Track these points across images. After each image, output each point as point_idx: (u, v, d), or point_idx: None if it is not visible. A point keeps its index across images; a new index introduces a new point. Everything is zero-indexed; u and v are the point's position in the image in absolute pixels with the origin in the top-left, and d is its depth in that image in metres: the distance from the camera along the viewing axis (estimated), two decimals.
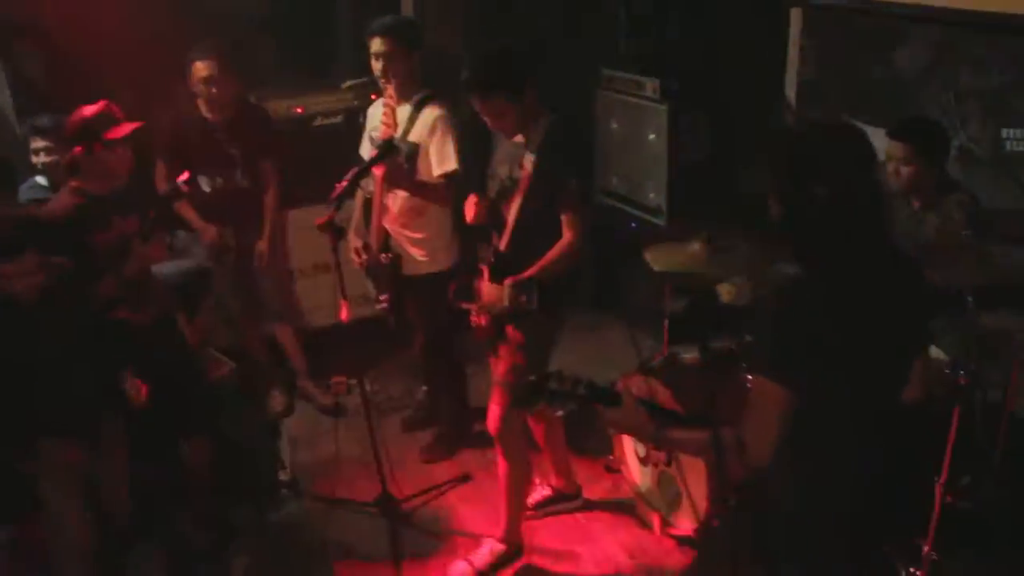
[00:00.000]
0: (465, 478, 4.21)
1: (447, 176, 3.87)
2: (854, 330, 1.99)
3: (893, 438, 2.19)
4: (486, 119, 3.24)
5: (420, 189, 3.90)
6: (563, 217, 3.18)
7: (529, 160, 3.22)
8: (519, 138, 3.28)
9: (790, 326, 1.99)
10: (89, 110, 3.44)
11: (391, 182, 3.82)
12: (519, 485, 3.61)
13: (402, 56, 3.87)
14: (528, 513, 3.84)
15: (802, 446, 2.03)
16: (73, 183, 3.50)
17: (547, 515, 3.93)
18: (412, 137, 3.90)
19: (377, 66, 3.89)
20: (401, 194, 3.94)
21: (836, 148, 2.05)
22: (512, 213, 3.29)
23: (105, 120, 3.40)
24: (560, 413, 2.67)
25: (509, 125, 3.23)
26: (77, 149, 3.41)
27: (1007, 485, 3.46)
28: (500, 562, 3.65)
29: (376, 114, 4.13)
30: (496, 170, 3.40)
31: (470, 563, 3.63)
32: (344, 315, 3.48)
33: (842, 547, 2.20)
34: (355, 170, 3.44)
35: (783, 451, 2.00)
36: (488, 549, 3.66)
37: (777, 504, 2.21)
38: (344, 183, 3.37)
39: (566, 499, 3.93)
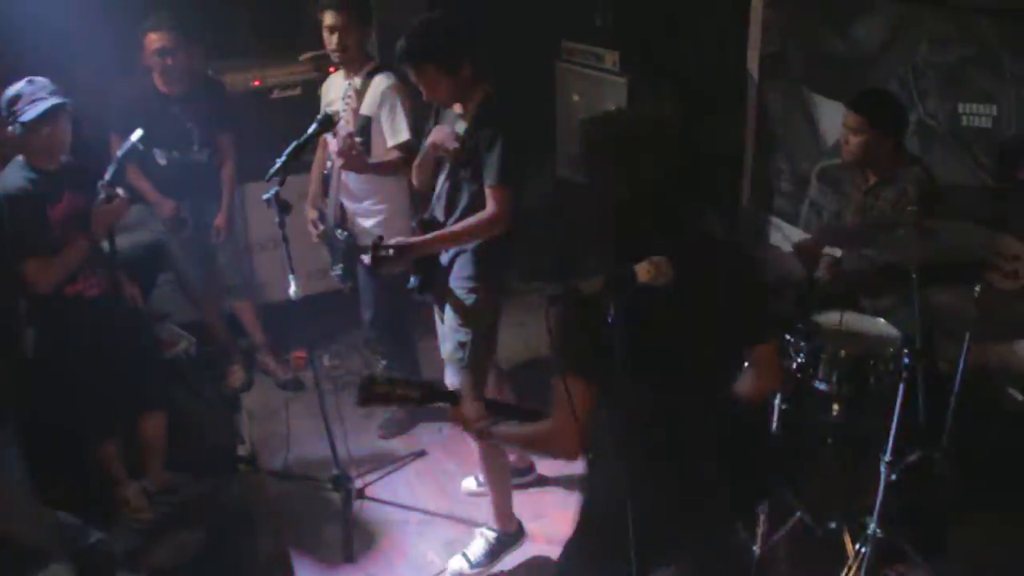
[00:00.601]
0: (421, 453, 4.22)
1: (400, 147, 3.84)
2: (654, 326, 1.96)
3: (718, 430, 2.17)
4: (421, 89, 3.23)
5: (376, 169, 3.87)
6: (487, 189, 3.17)
7: (460, 130, 3.22)
8: (458, 108, 3.26)
9: (586, 321, 1.97)
10: (9, 90, 3.41)
11: (349, 167, 3.78)
12: (497, 467, 3.52)
13: (354, 29, 3.83)
14: (480, 489, 3.83)
15: (616, 443, 2.04)
16: (20, 158, 3.49)
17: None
18: (363, 110, 3.87)
19: (330, 40, 3.85)
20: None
21: (611, 139, 2.03)
22: (440, 182, 3.30)
23: (19, 101, 3.37)
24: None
25: (443, 95, 3.22)
26: (6, 129, 3.39)
27: (956, 460, 3.49)
28: (495, 550, 3.56)
29: (331, 88, 4.09)
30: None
31: (465, 556, 3.57)
32: (291, 291, 3.47)
33: (668, 539, 2.17)
34: (292, 145, 3.41)
35: (600, 448, 2.03)
36: (481, 539, 3.58)
37: (600, 503, 2.20)
38: (281, 159, 3.35)
39: (519, 474, 3.90)
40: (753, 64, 4.90)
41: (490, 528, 3.57)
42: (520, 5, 5.08)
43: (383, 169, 3.88)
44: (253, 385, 4.81)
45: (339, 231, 4.04)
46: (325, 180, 4.10)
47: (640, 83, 4.78)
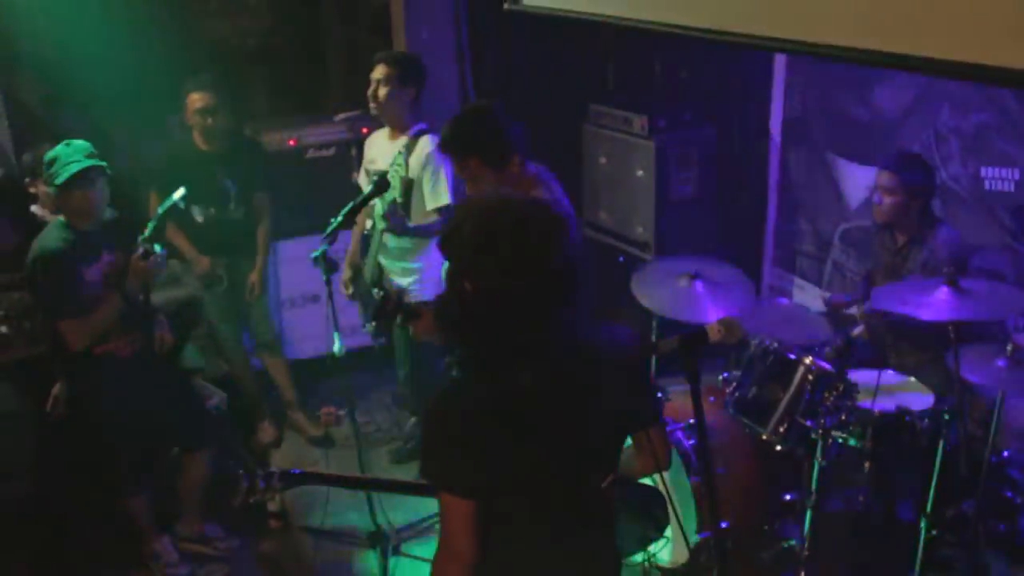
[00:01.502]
0: None
1: (440, 210, 3.92)
2: (531, 431, 1.88)
3: (603, 517, 2.13)
4: (469, 184, 3.17)
5: (415, 232, 3.93)
6: None
7: None
8: None
9: (455, 432, 1.88)
10: (49, 154, 3.49)
11: (392, 230, 3.85)
12: None
13: (398, 86, 3.95)
14: None
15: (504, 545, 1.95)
16: (60, 218, 3.56)
17: None
18: (408, 173, 3.96)
19: (377, 93, 3.96)
20: None
21: (502, 229, 1.83)
22: None
23: (56, 163, 3.44)
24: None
25: (489, 190, 3.09)
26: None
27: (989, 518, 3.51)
28: None
29: (372, 147, 4.19)
30: None
31: None
32: (336, 348, 3.52)
33: None
34: (349, 206, 3.49)
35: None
36: None
37: None
38: (338, 219, 3.42)
39: None
40: (776, 128, 5.02)
41: None
42: (547, 67, 5.21)
43: (421, 232, 3.96)
44: (283, 441, 4.82)
45: (375, 290, 4.10)
46: (364, 240, 4.18)
47: (668, 147, 4.87)
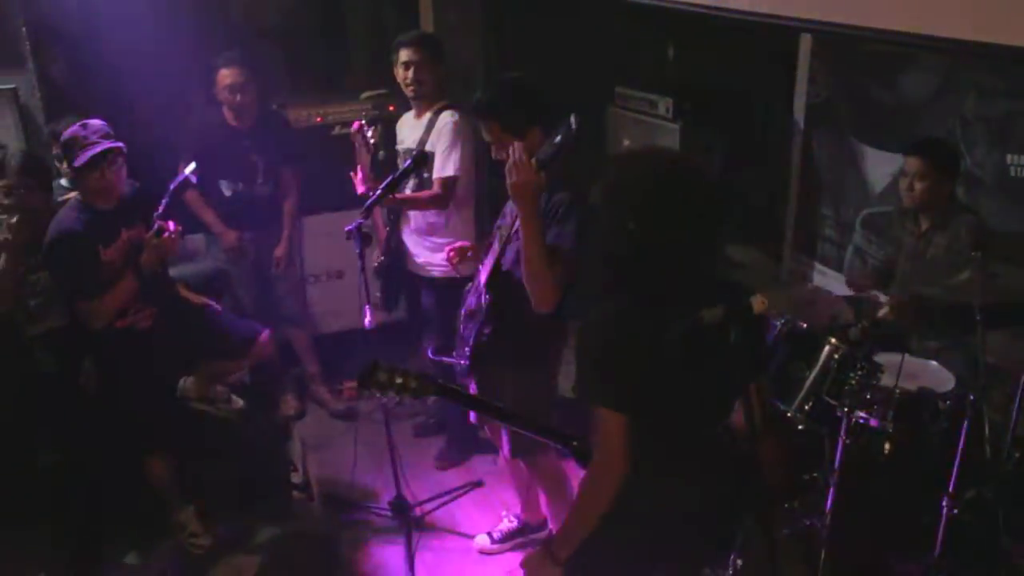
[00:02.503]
0: (477, 484, 4.28)
1: (444, 182, 3.96)
2: (675, 360, 2.07)
3: (719, 461, 2.32)
4: (491, 147, 3.22)
5: (402, 203, 4.03)
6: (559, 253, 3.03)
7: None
8: None
9: (615, 353, 2.09)
10: (65, 133, 3.53)
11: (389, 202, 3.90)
12: (550, 477, 3.58)
13: (429, 66, 4.00)
14: (494, 547, 3.88)
15: (646, 463, 2.15)
16: (77, 197, 3.61)
17: (514, 548, 3.86)
18: (428, 146, 4.02)
19: (406, 75, 4.01)
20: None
21: (647, 181, 2.10)
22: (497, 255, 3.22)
23: (74, 145, 3.48)
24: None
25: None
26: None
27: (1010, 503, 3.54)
28: (517, 533, 3.87)
29: (402, 128, 4.24)
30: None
31: (490, 535, 3.86)
32: (368, 321, 3.56)
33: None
34: (388, 180, 3.52)
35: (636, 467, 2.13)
36: (507, 521, 3.89)
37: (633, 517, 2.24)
38: (377, 193, 3.45)
39: (532, 531, 3.90)
40: (800, 113, 5.03)
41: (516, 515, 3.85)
42: (573, 50, 5.22)
43: (412, 203, 4.05)
44: (306, 414, 4.88)
45: (382, 258, 4.19)
46: (389, 214, 4.23)
47: (692, 130, 4.89)
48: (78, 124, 3.51)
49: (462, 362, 3.36)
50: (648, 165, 2.17)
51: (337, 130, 4.98)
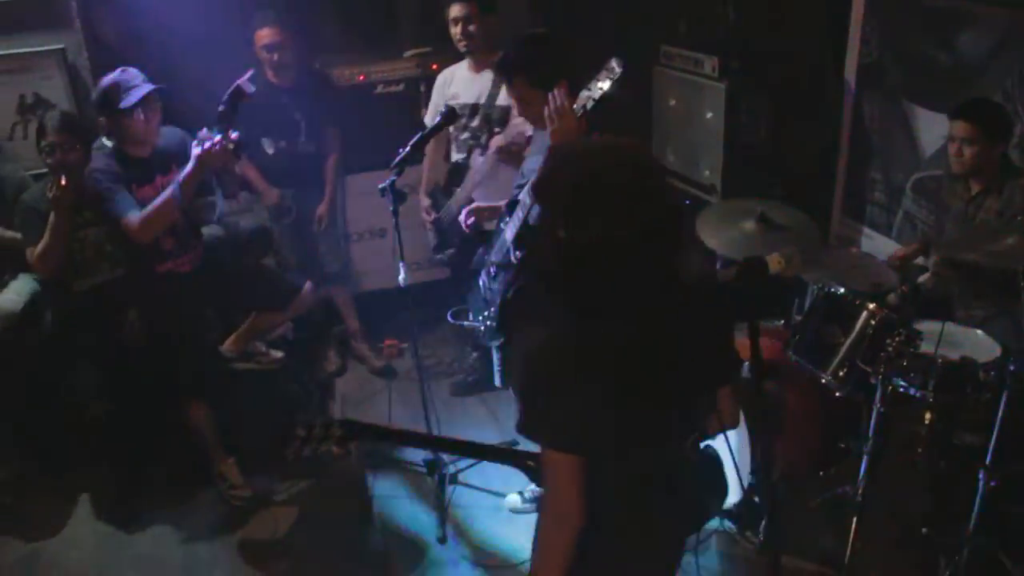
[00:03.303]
0: (511, 444, 4.28)
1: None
2: (639, 376, 1.80)
3: (699, 471, 2.09)
4: (515, 106, 3.22)
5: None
6: None
7: None
8: None
9: (563, 387, 1.77)
10: (105, 80, 3.55)
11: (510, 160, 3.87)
12: None
13: (480, 19, 3.99)
14: (525, 506, 3.85)
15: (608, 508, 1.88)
16: (105, 143, 3.66)
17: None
18: (500, 100, 3.99)
19: (456, 31, 4.01)
20: (490, 157, 4.04)
21: (574, 178, 1.78)
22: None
23: (116, 89, 3.50)
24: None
25: (535, 114, 3.13)
26: (102, 118, 3.56)
27: None
28: None
29: (453, 82, 4.21)
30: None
31: (521, 494, 3.83)
32: (401, 279, 3.58)
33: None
34: (417, 137, 3.52)
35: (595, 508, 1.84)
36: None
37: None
38: (405, 149, 3.45)
39: None
40: (851, 74, 4.89)
41: None
42: (619, 7, 5.13)
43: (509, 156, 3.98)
44: (347, 371, 4.94)
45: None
46: (453, 170, 4.24)
47: (739, 89, 4.79)
48: (118, 70, 3.55)
49: (488, 324, 3.36)
50: (578, 159, 1.84)
51: (380, 88, 4.98)
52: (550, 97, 2.92)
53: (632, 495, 1.93)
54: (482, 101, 4.07)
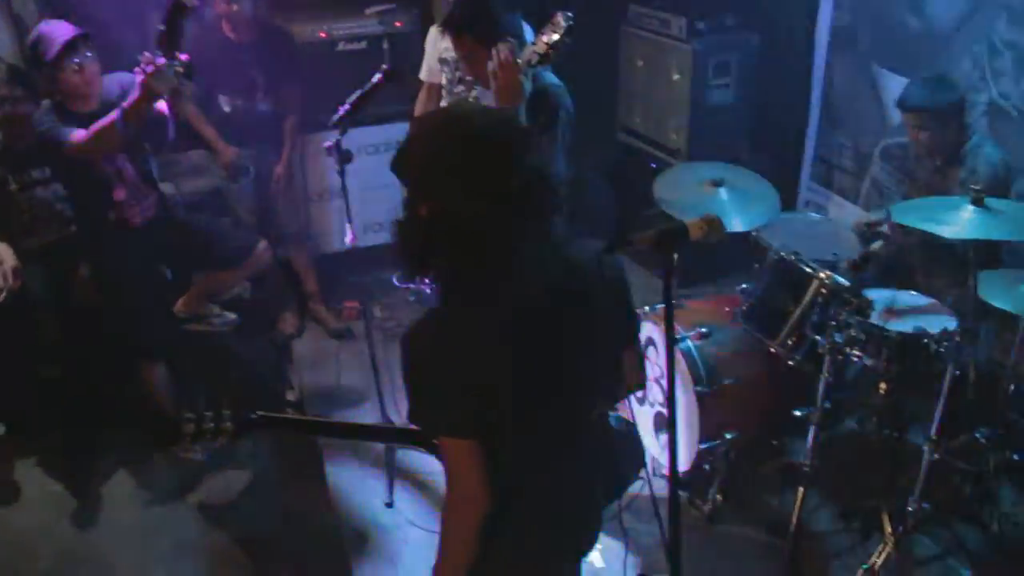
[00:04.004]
0: None
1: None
2: (521, 356, 1.75)
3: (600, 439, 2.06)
4: (464, 64, 3.16)
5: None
6: None
7: None
8: None
9: (446, 371, 1.72)
10: (32, 35, 3.45)
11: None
12: None
13: None
14: None
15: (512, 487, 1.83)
16: (47, 103, 3.54)
17: None
18: None
19: None
20: None
21: (429, 147, 1.73)
22: None
23: (41, 43, 3.39)
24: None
25: (481, 73, 3.04)
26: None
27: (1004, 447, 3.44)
28: None
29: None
30: None
31: None
32: (350, 239, 3.52)
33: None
34: (355, 95, 3.43)
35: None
36: None
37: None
38: (344, 107, 3.37)
39: None
40: (822, 37, 4.81)
41: None
42: None
43: None
44: (304, 332, 4.89)
45: None
46: None
47: (706, 51, 4.70)
48: (43, 22, 3.44)
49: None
50: (431, 129, 1.79)
51: (341, 46, 4.87)
52: (493, 52, 2.86)
53: (537, 470, 1.89)
54: None
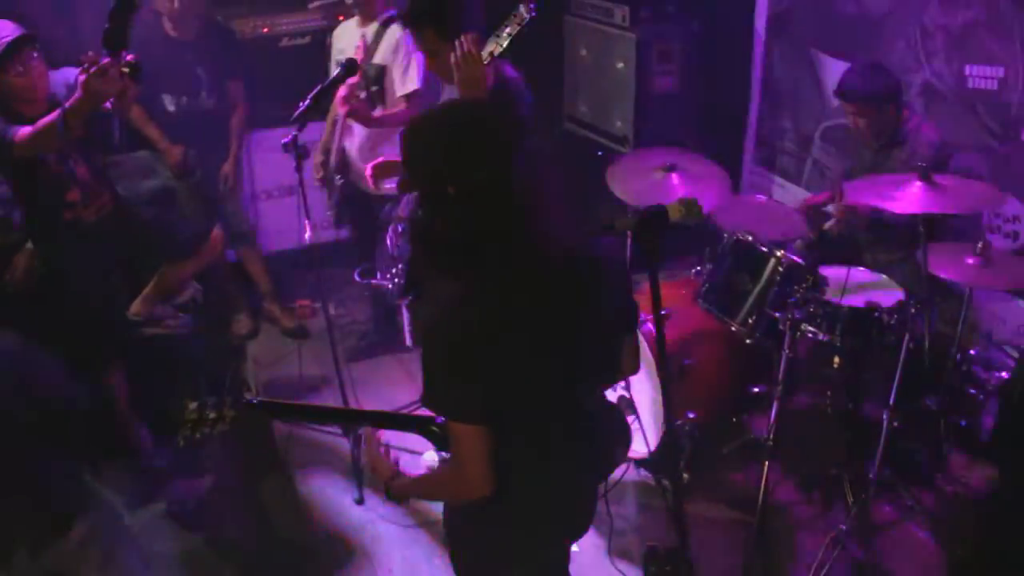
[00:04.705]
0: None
1: (408, 97, 3.85)
2: (533, 339, 1.81)
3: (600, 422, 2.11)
4: (426, 60, 3.14)
5: (379, 122, 3.89)
6: None
7: None
8: None
9: (459, 356, 1.77)
10: None
11: (355, 116, 3.79)
12: None
13: None
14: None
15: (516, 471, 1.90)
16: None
17: None
18: (376, 59, 3.88)
19: None
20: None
21: (459, 138, 1.78)
22: None
23: None
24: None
25: (443, 68, 3.03)
26: None
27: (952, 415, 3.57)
28: None
29: (342, 36, 4.09)
30: None
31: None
32: (307, 236, 3.50)
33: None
34: (316, 89, 3.41)
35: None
36: None
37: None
38: (305, 103, 3.34)
39: None
40: (761, 22, 4.91)
41: None
42: None
43: (388, 120, 3.89)
44: (259, 333, 4.84)
45: (337, 177, 4.08)
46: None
47: (649, 39, 4.77)
48: None
49: (396, 281, 3.31)
50: (441, 117, 1.90)
51: (285, 41, 4.82)
52: (456, 44, 2.86)
53: (536, 451, 1.93)
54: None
